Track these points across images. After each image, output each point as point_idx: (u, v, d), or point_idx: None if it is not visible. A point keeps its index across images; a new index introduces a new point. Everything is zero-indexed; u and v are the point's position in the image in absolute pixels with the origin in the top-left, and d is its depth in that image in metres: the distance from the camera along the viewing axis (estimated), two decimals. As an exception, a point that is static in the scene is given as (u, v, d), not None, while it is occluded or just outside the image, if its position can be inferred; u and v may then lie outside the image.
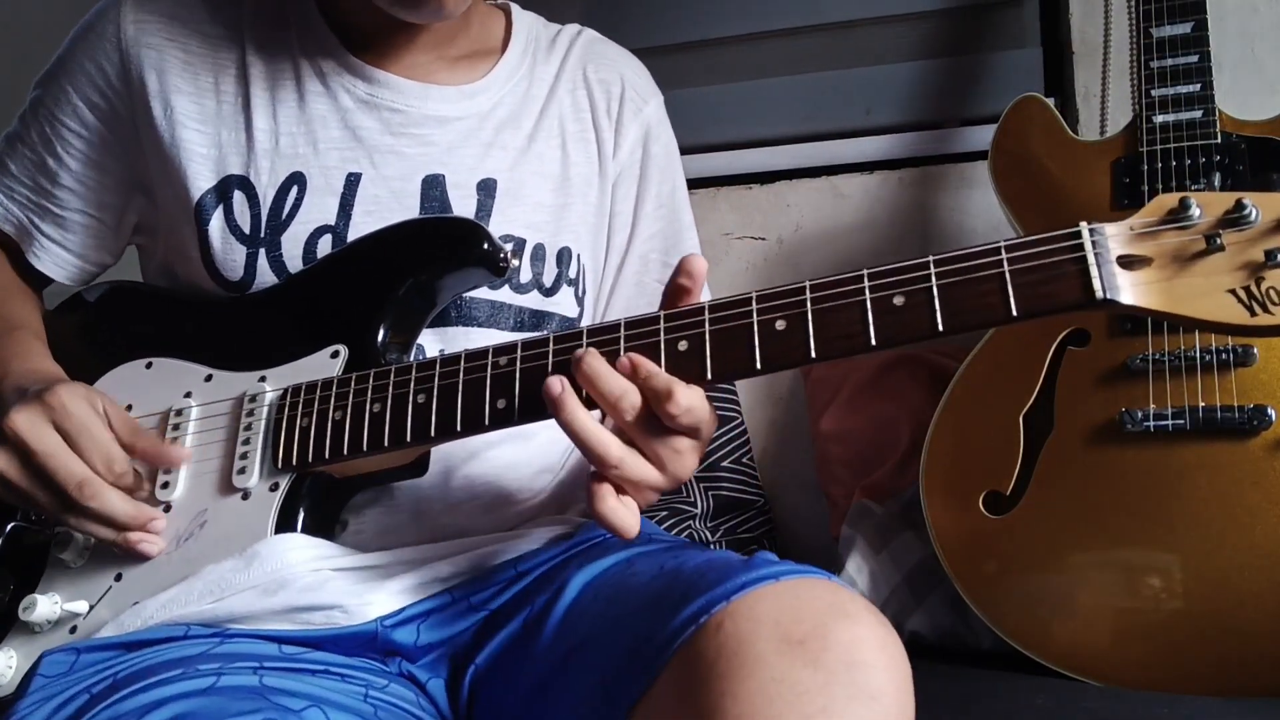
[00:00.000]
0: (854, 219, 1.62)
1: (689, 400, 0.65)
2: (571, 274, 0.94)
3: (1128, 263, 0.60)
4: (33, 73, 0.95)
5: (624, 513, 0.66)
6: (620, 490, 0.67)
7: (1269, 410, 1.07)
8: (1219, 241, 0.58)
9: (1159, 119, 1.20)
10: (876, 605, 1.25)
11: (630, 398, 0.65)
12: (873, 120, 1.65)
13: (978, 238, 1.56)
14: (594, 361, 0.66)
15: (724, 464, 1.56)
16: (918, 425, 1.33)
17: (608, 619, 0.69)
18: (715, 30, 1.70)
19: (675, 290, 0.69)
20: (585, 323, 0.97)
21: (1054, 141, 1.28)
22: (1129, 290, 0.59)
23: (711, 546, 1.49)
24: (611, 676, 0.64)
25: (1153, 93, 1.21)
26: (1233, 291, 0.58)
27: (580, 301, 0.96)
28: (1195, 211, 0.60)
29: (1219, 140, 1.17)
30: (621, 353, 0.67)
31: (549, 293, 0.92)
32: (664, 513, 1.50)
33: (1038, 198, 1.27)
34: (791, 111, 1.68)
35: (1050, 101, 1.32)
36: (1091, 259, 0.60)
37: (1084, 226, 0.61)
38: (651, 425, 0.66)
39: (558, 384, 0.66)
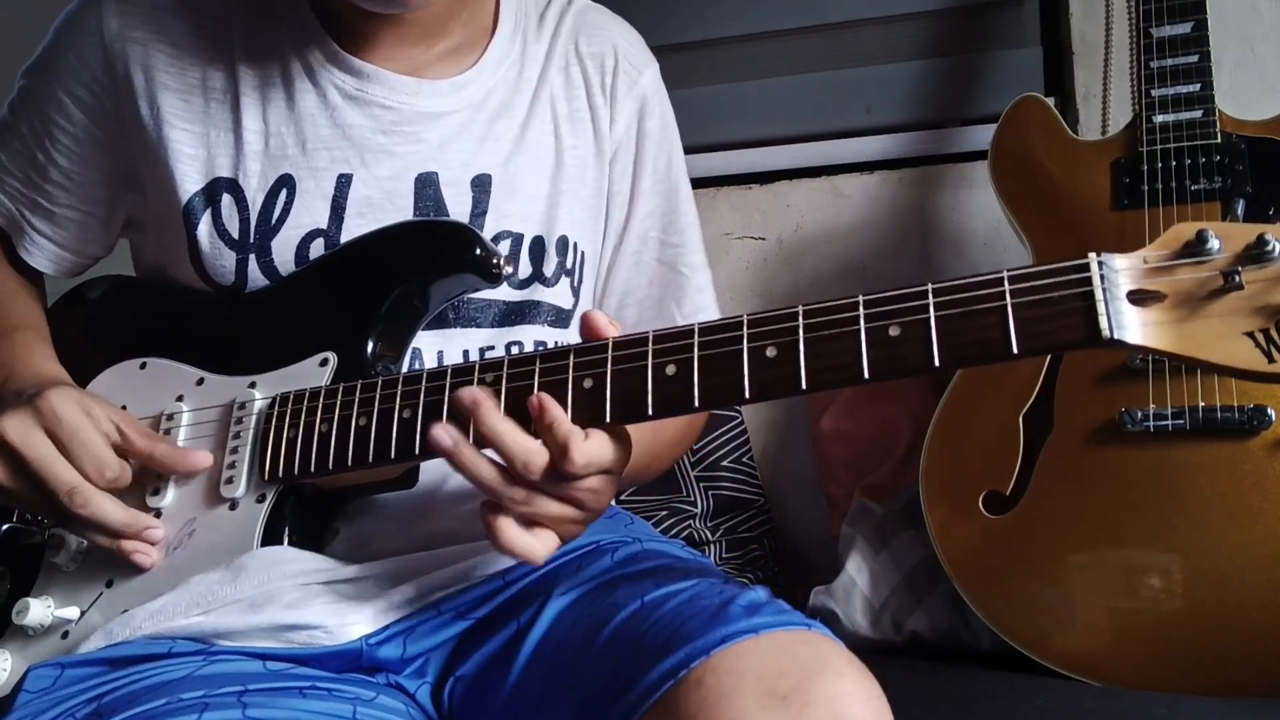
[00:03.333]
0: (854, 219, 1.62)
1: (587, 455, 0.64)
2: (569, 264, 0.92)
3: (1139, 298, 0.57)
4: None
5: (532, 543, 0.67)
6: (532, 523, 0.67)
7: (1269, 410, 1.06)
8: (1238, 279, 0.55)
9: (1159, 119, 1.20)
10: (876, 605, 1.27)
11: (536, 460, 0.64)
12: (873, 120, 1.64)
13: (977, 238, 1.56)
14: (493, 421, 0.65)
15: (724, 464, 1.55)
16: (918, 425, 1.33)
17: (583, 659, 0.68)
18: (715, 30, 1.69)
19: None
20: (580, 310, 0.94)
21: (1054, 141, 1.28)
22: (1138, 330, 0.56)
23: (710, 547, 1.49)
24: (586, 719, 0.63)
25: (1153, 93, 1.20)
26: (1250, 335, 0.54)
27: (576, 292, 0.93)
28: (1214, 245, 0.56)
29: (1219, 140, 1.17)
30: (608, 374, 0.66)
31: (550, 284, 0.91)
32: (664, 512, 1.50)
33: (1038, 198, 1.27)
34: (791, 111, 1.67)
35: (1050, 101, 1.32)
36: (1099, 295, 0.56)
37: (1093, 259, 0.57)
38: (558, 475, 0.65)
39: (447, 437, 0.65)
